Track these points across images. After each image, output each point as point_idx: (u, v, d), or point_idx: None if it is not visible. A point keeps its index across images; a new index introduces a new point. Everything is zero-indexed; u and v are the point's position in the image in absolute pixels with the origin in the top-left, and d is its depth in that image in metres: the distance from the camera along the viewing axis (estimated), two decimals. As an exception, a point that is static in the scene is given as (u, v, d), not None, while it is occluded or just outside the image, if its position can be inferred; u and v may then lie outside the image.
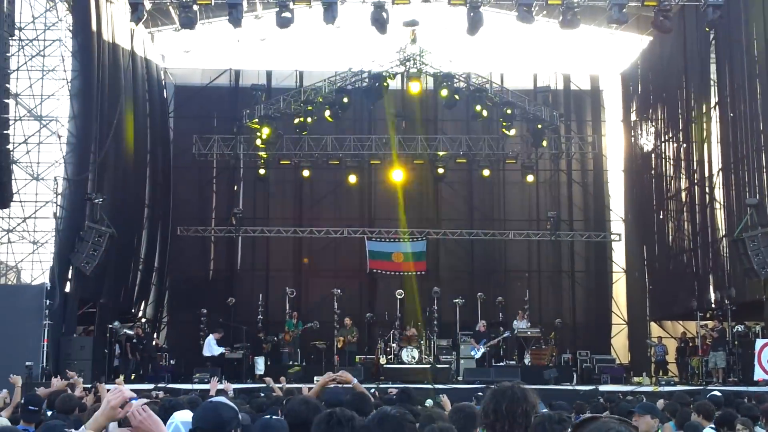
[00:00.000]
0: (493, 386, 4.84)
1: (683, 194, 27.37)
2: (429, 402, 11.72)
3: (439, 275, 29.82)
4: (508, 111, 28.24)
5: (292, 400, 7.01)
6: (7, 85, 20.91)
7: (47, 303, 20.58)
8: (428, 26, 26.95)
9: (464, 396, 14.35)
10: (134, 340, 23.50)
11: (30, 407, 8.63)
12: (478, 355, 24.02)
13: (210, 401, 5.28)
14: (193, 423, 4.89)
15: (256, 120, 27.49)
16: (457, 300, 25.99)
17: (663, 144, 28.89)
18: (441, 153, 28.90)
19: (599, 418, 2.61)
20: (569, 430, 2.78)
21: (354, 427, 4.58)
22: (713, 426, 10.48)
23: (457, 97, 27.73)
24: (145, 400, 4.60)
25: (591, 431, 2.57)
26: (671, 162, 28.39)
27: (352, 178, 29.02)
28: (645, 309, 29.51)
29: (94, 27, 22.94)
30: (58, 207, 22.54)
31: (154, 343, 26.23)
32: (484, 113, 28.34)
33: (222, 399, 5.48)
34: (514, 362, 24.49)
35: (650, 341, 27.35)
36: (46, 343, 20.30)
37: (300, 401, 6.41)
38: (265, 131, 27.62)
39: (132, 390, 14.20)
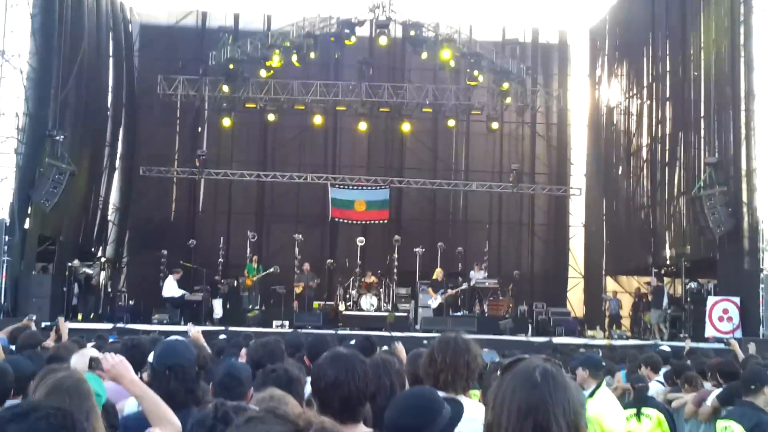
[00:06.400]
0: (437, 336, 4.97)
1: (644, 151, 27.67)
2: (384, 348, 11.88)
3: (401, 224, 29.99)
4: (475, 69, 28.17)
5: (253, 343, 7.14)
6: (-32, 19, 20.57)
7: (6, 239, 20.48)
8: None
9: (419, 344, 14.59)
10: (92, 280, 23.50)
11: None
12: (435, 304, 24.22)
13: (170, 340, 5.33)
14: (155, 361, 4.95)
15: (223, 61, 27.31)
16: (417, 249, 26.13)
17: (627, 100, 29.13)
18: (406, 102, 28.88)
19: (525, 358, 2.78)
20: (498, 371, 2.95)
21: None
22: (660, 379, 10.82)
23: (424, 55, 27.83)
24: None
25: (518, 370, 2.72)
26: (634, 119, 28.66)
27: (318, 119, 28.85)
28: (602, 263, 29.91)
29: (57, -40, 22.56)
30: (19, 143, 22.31)
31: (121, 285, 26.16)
32: (452, 64, 28.35)
33: (181, 338, 5.53)
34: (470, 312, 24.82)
35: (605, 295, 27.79)
36: (4, 279, 20.24)
37: (259, 344, 6.55)
38: (230, 71, 27.39)
39: (89, 329, 14.16)
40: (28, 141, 22.21)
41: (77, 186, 23.26)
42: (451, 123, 29.40)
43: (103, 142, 27.91)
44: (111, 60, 28.17)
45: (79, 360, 5.07)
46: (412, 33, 27.61)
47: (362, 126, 29.08)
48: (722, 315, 20.74)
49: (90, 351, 5.42)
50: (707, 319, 20.93)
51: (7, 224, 20.88)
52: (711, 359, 11.46)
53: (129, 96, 29.94)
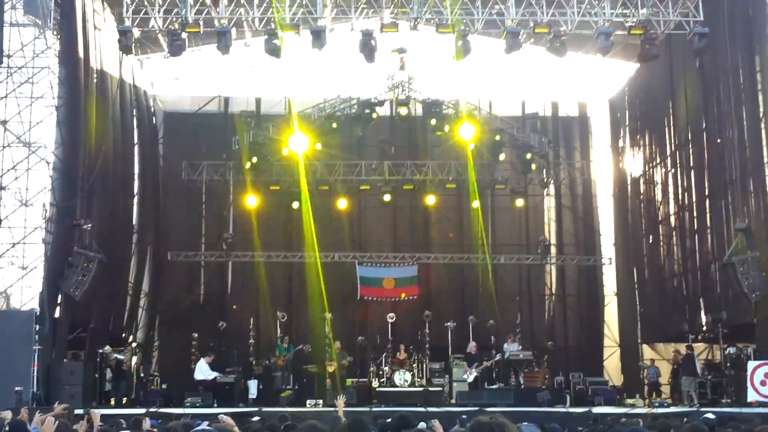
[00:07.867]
0: (471, 423, 4.81)
1: (672, 219, 27.50)
2: (422, 425, 11.65)
3: (431, 299, 29.79)
4: (497, 137, 28.41)
5: (302, 425, 6.94)
6: (-4, 112, 20.93)
7: (37, 328, 20.46)
8: (417, 53, 27.07)
9: (456, 418, 14.32)
10: (123, 365, 23.44)
11: None
12: (470, 379, 23.95)
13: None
14: None
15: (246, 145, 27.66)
16: (448, 324, 25.95)
17: (651, 169, 29.08)
18: (430, 178, 29.01)
19: None
20: None
21: None
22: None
23: (446, 129, 28.02)
24: None
25: None
26: (660, 187, 28.56)
27: (342, 203, 29.03)
28: (637, 332, 29.52)
29: (81, 54, 22.95)
30: (47, 233, 22.46)
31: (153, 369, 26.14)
32: (470, 147, 28.49)
33: (208, 428, 5.40)
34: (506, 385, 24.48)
35: (642, 363, 27.40)
36: (36, 368, 20.15)
37: (308, 427, 6.37)
38: (254, 158, 27.74)
39: (124, 414, 14.03)
40: (56, 231, 22.28)
41: (106, 273, 23.30)
42: (475, 204, 29.32)
43: (131, 228, 28.08)
44: (136, 148, 28.50)
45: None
46: (433, 111, 27.87)
47: (387, 204, 29.20)
48: (764, 379, 20.34)
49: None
50: (749, 384, 20.50)
51: (38, 314, 20.88)
52: (758, 426, 11.11)
53: (155, 182, 30.24)
